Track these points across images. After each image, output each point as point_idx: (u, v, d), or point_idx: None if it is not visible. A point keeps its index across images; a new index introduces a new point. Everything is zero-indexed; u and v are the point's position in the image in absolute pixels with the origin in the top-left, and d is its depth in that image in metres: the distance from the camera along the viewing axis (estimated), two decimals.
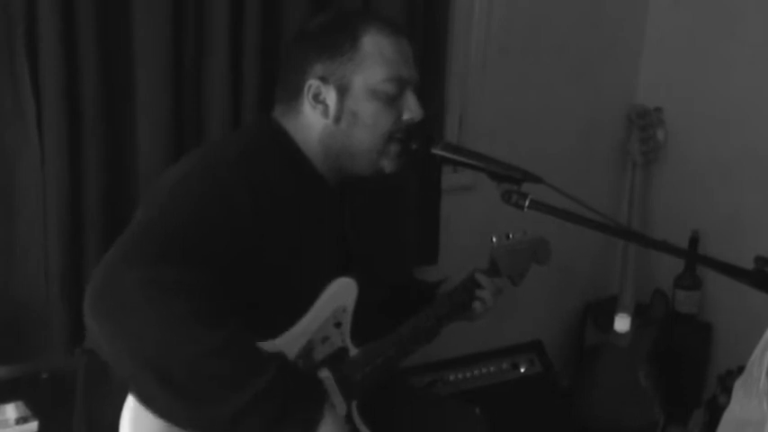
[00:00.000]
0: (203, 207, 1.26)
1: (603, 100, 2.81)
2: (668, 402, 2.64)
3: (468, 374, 2.19)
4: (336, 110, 1.39)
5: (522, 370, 2.27)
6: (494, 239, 1.69)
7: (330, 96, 1.39)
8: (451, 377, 2.16)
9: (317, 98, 1.40)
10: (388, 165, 1.44)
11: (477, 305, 1.63)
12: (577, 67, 2.68)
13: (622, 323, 2.63)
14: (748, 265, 1.23)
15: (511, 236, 1.71)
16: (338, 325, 1.41)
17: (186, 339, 1.13)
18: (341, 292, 1.41)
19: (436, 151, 1.43)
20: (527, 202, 1.35)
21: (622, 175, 2.90)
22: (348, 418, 1.39)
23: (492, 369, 2.23)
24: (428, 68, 2.09)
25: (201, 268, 1.18)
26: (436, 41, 2.17)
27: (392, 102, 1.40)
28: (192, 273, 1.17)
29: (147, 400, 1.18)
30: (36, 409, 1.64)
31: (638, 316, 2.65)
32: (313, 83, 1.39)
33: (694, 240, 2.67)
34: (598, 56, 2.74)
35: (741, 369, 1.24)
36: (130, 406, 1.23)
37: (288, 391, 1.18)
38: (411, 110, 1.41)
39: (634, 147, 2.74)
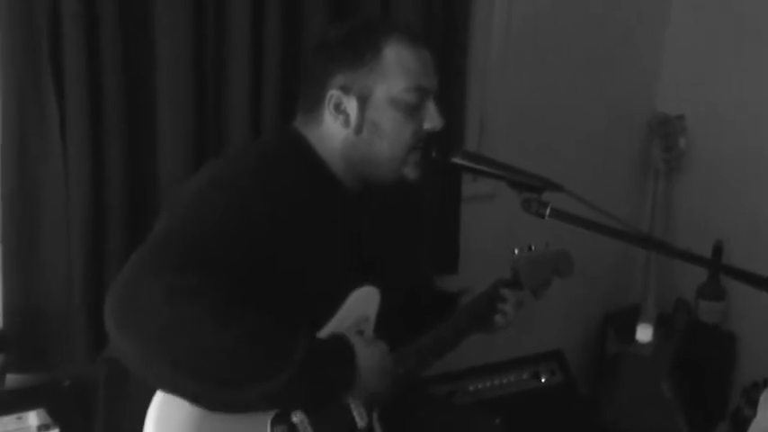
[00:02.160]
0: (223, 217, 1.27)
1: (625, 107, 2.79)
2: (692, 413, 2.61)
3: (489, 384, 2.17)
4: (358, 120, 1.40)
5: (543, 380, 2.25)
6: (516, 251, 1.68)
7: (351, 106, 1.40)
8: (471, 387, 2.15)
9: (338, 108, 1.40)
10: (408, 173, 1.44)
11: (497, 318, 1.62)
12: (598, 73, 2.67)
13: (645, 333, 2.61)
14: None
15: (533, 248, 1.70)
16: (360, 333, 1.40)
17: (210, 336, 1.16)
18: (363, 301, 1.41)
19: (456, 160, 1.43)
20: (548, 211, 1.34)
21: (644, 183, 2.88)
22: (369, 427, 1.38)
23: (512, 379, 2.21)
24: (448, 75, 2.09)
25: (222, 276, 1.20)
26: (456, 48, 2.17)
27: (413, 111, 1.40)
28: (213, 280, 1.18)
29: (182, 394, 1.21)
30: (57, 416, 1.65)
31: (661, 326, 2.62)
32: (334, 93, 1.40)
33: (718, 249, 2.64)
34: (619, 63, 2.73)
35: (767, 381, 1.22)
36: (153, 412, 1.23)
37: (320, 360, 1.24)
38: (432, 119, 1.41)
39: (656, 154, 2.71)
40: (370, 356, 1.31)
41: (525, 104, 2.49)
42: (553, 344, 2.45)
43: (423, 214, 1.80)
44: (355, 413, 1.36)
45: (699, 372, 2.68)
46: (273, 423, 1.28)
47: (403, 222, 1.67)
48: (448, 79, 2.06)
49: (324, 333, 1.35)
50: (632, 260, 2.87)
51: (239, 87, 1.81)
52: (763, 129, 2.66)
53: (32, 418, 1.63)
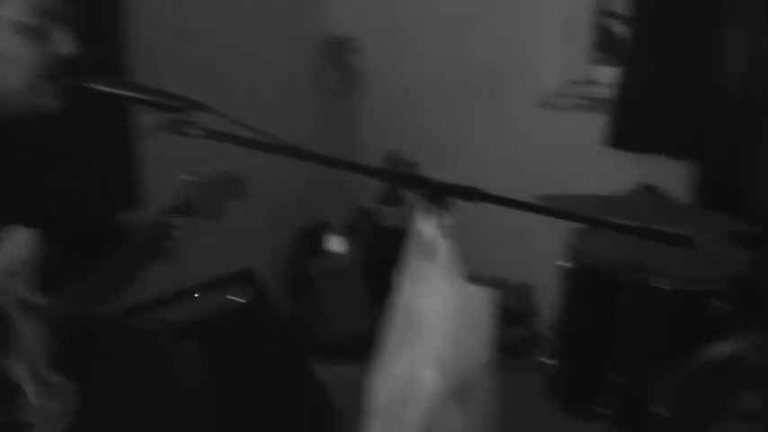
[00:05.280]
0: None
1: (297, 30, 2.88)
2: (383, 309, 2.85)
3: (183, 310, 2.16)
4: None
5: (237, 300, 2.27)
6: (183, 177, 1.68)
7: None
8: (165, 314, 2.13)
9: None
10: (43, 104, 1.38)
11: (171, 245, 1.62)
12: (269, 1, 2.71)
13: (336, 244, 2.79)
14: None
15: (201, 172, 1.71)
16: (16, 275, 1.34)
17: None
18: (14, 242, 1.34)
19: (95, 86, 1.39)
20: (195, 131, 1.36)
21: (323, 104, 3.00)
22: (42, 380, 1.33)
23: (206, 302, 2.22)
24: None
25: None
26: None
27: (38, 35, 1.34)
28: None
29: None
30: None
31: (350, 235, 2.81)
32: None
33: (392, 160, 2.87)
34: None
35: None
36: None
37: None
38: (61, 43, 1.36)
39: (330, 76, 2.85)
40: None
41: (194, 31, 2.46)
42: (251, 265, 2.51)
43: (86, 148, 1.73)
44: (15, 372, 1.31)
45: (386, 270, 2.91)
46: None
47: (61, 157, 1.60)
48: (93, 2, 1.97)
49: None
50: (319, 177, 3.01)
51: None
52: (435, 48, 2.90)
53: None
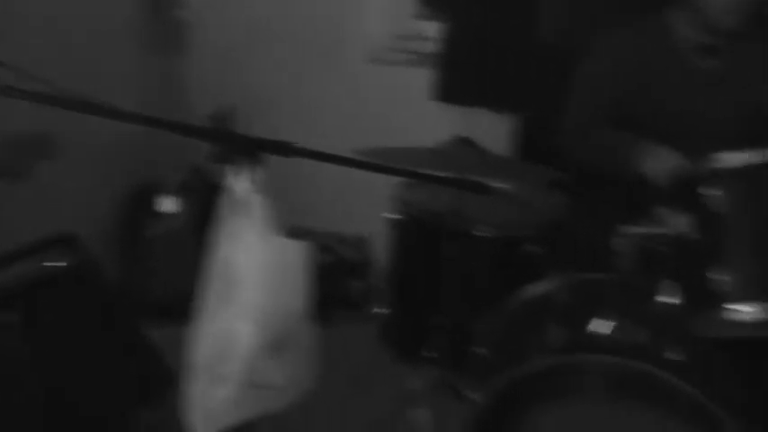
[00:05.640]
0: None
1: None
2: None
3: None
4: None
5: (56, 265, 2.17)
6: None
7: None
8: None
9: None
10: None
11: None
12: None
13: (167, 204, 2.72)
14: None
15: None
16: None
17: None
18: None
19: None
20: None
21: (148, 60, 2.90)
22: None
23: (21, 269, 2.10)
24: None
25: None
26: None
27: None
28: None
29: None
30: None
31: (182, 195, 2.75)
32: None
33: (219, 118, 2.81)
34: None
35: None
36: None
37: None
38: None
39: (155, 30, 2.75)
40: None
41: None
42: (77, 228, 2.40)
43: None
44: None
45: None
46: None
47: None
48: None
49: None
50: (149, 136, 2.91)
51: None
52: (263, 1, 2.85)
53: None
